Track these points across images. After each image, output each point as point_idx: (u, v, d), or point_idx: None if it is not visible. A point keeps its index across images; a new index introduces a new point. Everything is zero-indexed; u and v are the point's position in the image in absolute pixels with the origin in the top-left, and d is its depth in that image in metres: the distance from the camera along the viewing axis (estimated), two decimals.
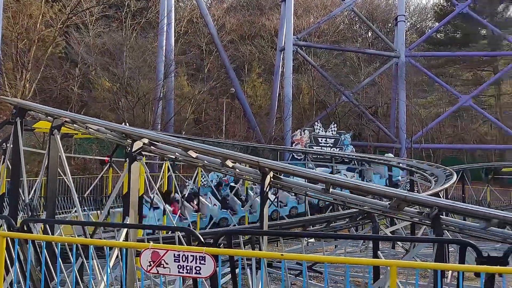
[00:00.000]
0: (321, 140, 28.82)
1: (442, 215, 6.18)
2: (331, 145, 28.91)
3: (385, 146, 38.69)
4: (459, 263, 3.35)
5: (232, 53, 41.07)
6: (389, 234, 9.62)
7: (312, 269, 8.95)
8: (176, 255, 3.39)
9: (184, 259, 3.39)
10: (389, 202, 5.29)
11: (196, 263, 3.36)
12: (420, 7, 54.38)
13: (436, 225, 4.93)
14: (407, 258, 6.83)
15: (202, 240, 3.78)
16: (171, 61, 31.59)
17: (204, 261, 3.33)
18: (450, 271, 6.46)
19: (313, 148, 27.77)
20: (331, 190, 5.49)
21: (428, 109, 44.21)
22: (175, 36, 34.75)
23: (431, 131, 39.67)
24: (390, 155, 23.90)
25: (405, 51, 37.84)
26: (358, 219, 9.42)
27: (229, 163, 6.18)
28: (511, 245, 3.42)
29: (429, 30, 45.19)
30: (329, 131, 29.27)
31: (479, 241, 12.35)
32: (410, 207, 5.44)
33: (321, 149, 28.00)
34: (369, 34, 51.17)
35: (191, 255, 3.36)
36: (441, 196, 9.74)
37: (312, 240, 11.83)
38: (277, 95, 37.14)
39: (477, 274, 3.29)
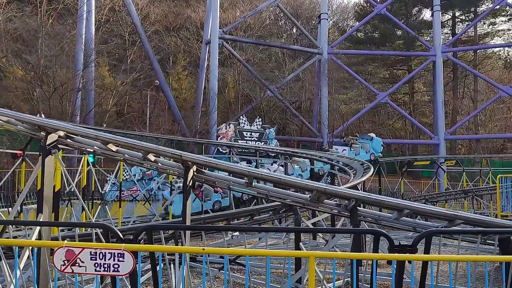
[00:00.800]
0: (246, 134, 29.00)
1: (360, 207, 6.47)
2: (256, 139, 29.19)
3: (308, 140, 39.84)
4: (373, 252, 3.52)
5: (156, 44, 40.10)
6: (311, 226, 9.91)
7: (236, 262, 8.99)
8: (92, 253, 3.23)
9: (101, 257, 3.24)
10: (310, 195, 5.45)
11: (114, 260, 3.22)
12: (342, 6, 56.40)
13: (353, 216, 5.14)
14: (326, 248, 7.07)
15: (121, 236, 3.64)
16: (91, 50, 30.20)
17: (123, 258, 3.21)
18: (366, 260, 6.77)
19: (238, 142, 27.88)
20: (254, 183, 5.54)
21: (349, 104, 46.06)
22: (95, 24, 33.25)
23: (351, 126, 41.43)
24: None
25: (328, 49, 39.09)
26: (281, 211, 9.60)
27: (151, 157, 6.02)
28: (420, 234, 3.66)
29: (350, 29, 47.01)
30: (254, 125, 29.52)
31: (394, 230, 13.13)
32: (330, 200, 5.62)
33: (246, 143, 28.19)
34: (294, 31, 52.25)
35: (108, 253, 3.22)
36: (359, 189, 10.18)
37: (237, 233, 11.91)
38: (203, 88, 36.86)
39: (389, 262, 3.46)
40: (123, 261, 3.23)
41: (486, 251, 9.69)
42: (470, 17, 45.94)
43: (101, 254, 3.24)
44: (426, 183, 35.64)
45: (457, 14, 47.31)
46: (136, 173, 22.28)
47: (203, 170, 5.72)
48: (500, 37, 47.63)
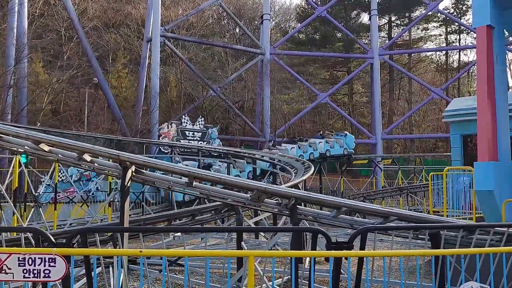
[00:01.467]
0: (189, 133, 28.70)
1: (301, 205, 6.56)
2: (199, 138, 28.96)
3: (250, 140, 40.06)
4: (311, 250, 3.57)
5: (95, 41, 38.73)
6: (252, 225, 9.94)
7: (177, 264, 8.85)
8: (21, 259, 3.04)
9: (30, 263, 3.05)
10: (250, 194, 5.46)
11: (45, 266, 3.05)
12: (284, 7, 57.12)
13: (293, 215, 5.21)
14: (266, 247, 7.12)
15: (53, 240, 3.46)
16: (24, 45, 28.67)
17: (55, 263, 3.04)
18: (307, 257, 6.89)
19: (180, 141, 27.53)
20: (194, 183, 5.47)
21: (291, 105, 46.75)
22: (28, 18, 31.61)
23: (293, 125, 42.11)
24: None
25: (270, 49, 39.47)
26: (222, 211, 9.55)
27: (86, 157, 5.78)
28: (356, 230, 3.76)
29: (292, 30, 47.73)
30: (196, 125, 29.28)
31: (335, 228, 13.45)
32: (271, 199, 5.66)
33: (189, 142, 27.91)
34: (237, 30, 52.37)
35: (38, 258, 3.04)
36: (300, 187, 10.35)
37: (179, 234, 11.74)
38: (144, 87, 36.07)
39: (327, 259, 3.51)
40: (55, 266, 3.06)
41: (420, 246, 10.16)
42: (405, 22, 48.04)
43: (30, 260, 3.06)
44: (365, 181, 36.88)
45: (393, 18, 49.34)
46: (73, 174, 21.45)
47: (142, 170, 5.58)
48: (432, 42, 50.23)
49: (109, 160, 5.93)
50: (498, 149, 9.83)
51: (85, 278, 7.76)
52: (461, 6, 46.70)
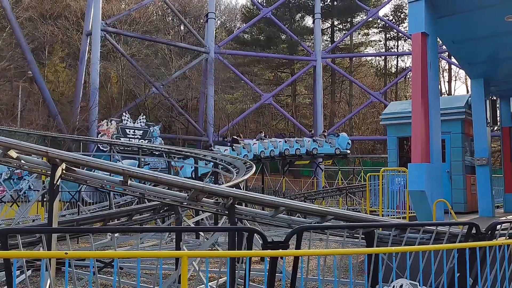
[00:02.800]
0: (129, 131, 27.98)
1: (241, 205, 6.50)
2: (140, 136, 28.31)
3: (193, 139, 39.63)
4: (246, 249, 3.53)
5: (30, 32, 36.84)
6: (192, 225, 9.79)
7: (112, 265, 8.56)
8: None
9: None
10: (187, 193, 5.33)
11: None
12: (230, 7, 57.11)
13: (231, 214, 5.15)
14: (205, 247, 7.02)
15: None
16: None
17: None
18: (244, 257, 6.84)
19: (120, 139, 26.76)
20: (129, 182, 5.26)
21: (234, 104, 46.75)
22: None
23: (236, 125, 42.12)
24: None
25: (215, 48, 39.25)
26: (161, 211, 9.34)
27: (12, 153, 5.41)
28: (292, 230, 3.75)
29: (237, 30, 47.73)
30: (137, 123, 28.59)
31: (276, 228, 13.51)
32: (210, 198, 5.57)
33: (129, 140, 27.19)
34: (182, 28, 51.70)
35: None
36: (241, 187, 10.30)
37: (117, 234, 11.36)
38: (82, 82, 34.75)
39: (262, 259, 3.47)
40: None
41: (355, 244, 10.42)
42: (347, 27, 49.40)
43: None
44: (306, 181, 37.53)
45: (335, 23, 50.57)
46: (3, 172, 20.28)
47: (74, 168, 5.29)
48: (372, 47, 52.02)
49: (37, 158, 5.57)
50: (430, 151, 10.26)
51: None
52: (400, 14, 48.67)
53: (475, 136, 14.09)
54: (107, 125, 27.18)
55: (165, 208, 9.35)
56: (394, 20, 47.99)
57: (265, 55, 43.80)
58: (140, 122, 28.63)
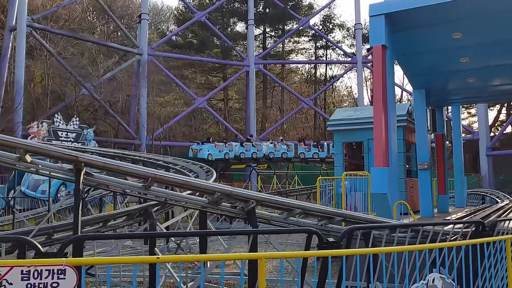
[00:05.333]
0: (62, 134, 26.65)
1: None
2: (73, 139, 27.06)
3: (125, 142, 38.46)
4: (304, 249, 3.65)
5: None
6: (164, 230, 9.69)
7: (88, 273, 8.26)
8: (24, 272, 2.61)
9: (36, 276, 2.64)
10: (208, 197, 5.35)
11: (53, 278, 2.66)
12: (163, 9, 56.24)
13: (252, 218, 5.25)
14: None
15: (42, 249, 3.02)
16: None
17: (64, 275, 2.68)
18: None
19: (52, 142, 25.39)
20: (152, 187, 5.18)
21: (166, 108, 46.07)
22: None
23: (168, 129, 41.45)
24: None
25: (148, 50, 38.46)
26: (135, 216, 9.18)
27: (27, 157, 5.08)
28: (344, 231, 3.94)
29: (169, 32, 47.12)
30: (70, 125, 27.30)
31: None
32: (227, 202, 5.62)
33: (61, 143, 25.87)
34: (109, 28, 50.10)
35: (46, 270, 2.65)
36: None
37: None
38: (5, 80, 32.49)
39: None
40: (64, 278, 2.69)
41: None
42: (278, 34, 50.62)
43: (36, 272, 2.63)
44: (240, 185, 37.84)
45: (267, 30, 51.62)
46: None
47: (92, 173, 5.09)
48: (302, 55, 53.72)
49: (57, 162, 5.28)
50: (389, 156, 10.95)
51: None
52: (329, 24, 50.83)
53: (417, 142, 15.21)
54: (38, 127, 25.68)
55: (139, 213, 9.21)
56: (323, 30, 49.95)
57: (199, 59, 43.63)
58: (73, 124, 27.36)
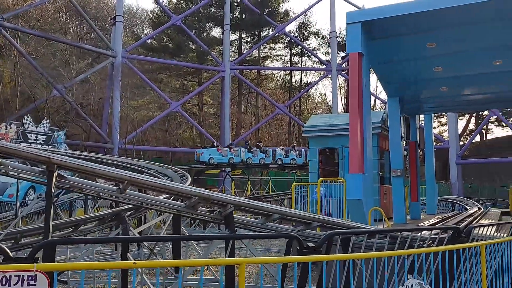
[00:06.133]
0: (31, 136, 25.96)
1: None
2: (43, 142, 26.40)
3: (97, 146, 37.77)
4: (284, 255, 3.60)
5: None
6: (137, 235, 9.49)
7: (60, 281, 7.99)
8: None
9: (4, 282, 2.47)
10: (185, 202, 5.23)
11: (22, 285, 2.50)
12: (138, 12, 55.69)
13: (230, 222, 5.16)
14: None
15: (10, 254, 2.85)
16: None
17: (35, 282, 2.52)
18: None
19: (21, 145, 24.70)
20: (128, 191, 5.01)
21: (140, 111, 45.51)
22: None
23: (142, 133, 40.92)
24: None
25: (122, 52, 37.95)
26: (108, 221, 8.98)
27: None
28: (324, 236, 3.90)
29: (144, 36, 46.65)
30: (40, 127, 26.63)
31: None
32: (204, 206, 5.51)
33: (31, 146, 25.19)
34: (79, 29, 49.40)
35: (15, 276, 2.49)
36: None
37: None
38: None
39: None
40: (35, 285, 2.54)
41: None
42: (254, 40, 50.75)
43: (4, 279, 2.48)
44: (214, 191, 37.47)
45: (244, 35, 51.69)
46: None
47: (65, 175, 4.90)
48: (278, 61, 53.97)
49: (25, 163, 5.06)
50: (365, 162, 11.02)
51: None
52: (304, 31, 51.25)
53: (391, 149, 15.40)
54: (6, 129, 24.94)
55: (111, 218, 9.00)
56: (299, 37, 50.31)
57: (175, 63, 43.31)
58: (44, 126, 26.69)
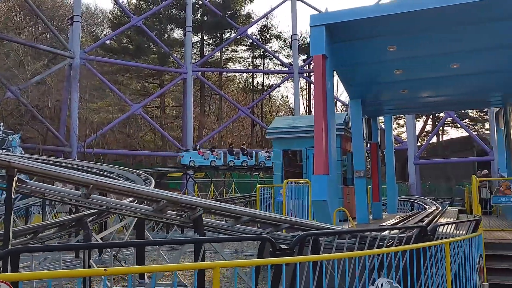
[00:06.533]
0: None
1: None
2: None
3: (54, 149, 36.60)
4: (257, 257, 3.54)
5: None
6: (100, 240, 9.24)
7: None
8: None
9: None
10: (153, 206, 5.09)
11: None
12: (96, 12, 54.42)
13: (199, 226, 5.07)
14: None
15: None
16: None
17: None
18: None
19: None
20: (92, 195, 4.82)
21: (99, 114, 44.47)
22: None
23: (101, 136, 39.95)
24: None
25: (80, 53, 36.96)
26: (68, 227, 8.70)
27: None
28: (296, 237, 3.86)
29: (103, 37, 45.63)
30: None
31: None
32: (173, 210, 5.39)
33: None
34: (35, 29, 47.87)
35: None
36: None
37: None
38: None
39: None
40: None
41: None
42: (216, 42, 50.57)
43: None
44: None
45: (205, 37, 51.42)
46: None
47: (25, 180, 4.66)
48: (240, 63, 53.94)
49: None
50: (329, 164, 11.15)
51: None
52: (266, 34, 51.48)
53: (354, 150, 15.66)
54: None
55: (72, 224, 8.73)
56: (261, 40, 50.50)
57: (136, 65, 42.53)
58: None
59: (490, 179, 16.95)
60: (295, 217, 14.13)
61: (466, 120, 48.77)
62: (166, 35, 47.33)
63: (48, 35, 46.97)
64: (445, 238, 5.46)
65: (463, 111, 44.23)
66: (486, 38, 11.37)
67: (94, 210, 8.26)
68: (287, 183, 13.01)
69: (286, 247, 3.75)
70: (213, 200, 29.44)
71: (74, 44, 36.96)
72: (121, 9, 44.32)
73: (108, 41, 45.29)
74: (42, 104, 39.90)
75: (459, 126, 45.93)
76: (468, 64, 12.91)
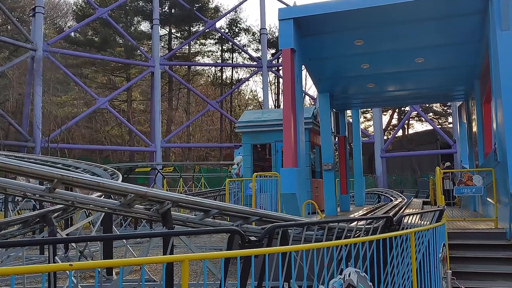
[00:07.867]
0: None
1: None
2: None
3: (16, 145, 35.55)
4: (226, 249, 3.52)
5: None
6: (65, 236, 9.05)
7: None
8: None
9: None
10: (120, 199, 5.00)
11: None
12: (60, 3, 52.90)
13: (168, 220, 5.01)
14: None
15: None
16: None
17: None
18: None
19: None
20: (57, 190, 4.68)
21: (64, 108, 43.43)
22: None
23: (66, 130, 39.04)
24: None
25: (43, 46, 35.91)
26: (32, 223, 8.48)
27: None
28: (266, 229, 3.88)
29: (67, 29, 44.47)
30: None
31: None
32: (141, 204, 5.30)
33: None
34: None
35: None
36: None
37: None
38: None
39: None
40: None
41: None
42: (184, 35, 50.03)
43: None
44: None
45: (173, 31, 50.80)
46: None
47: None
48: (209, 57, 53.55)
49: None
50: (298, 157, 11.24)
51: None
52: (235, 28, 51.23)
53: (322, 144, 15.82)
54: None
55: (36, 220, 8.51)
56: (229, 33, 50.26)
57: (102, 57, 41.59)
58: None
59: (453, 171, 17.45)
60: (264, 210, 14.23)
61: (431, 114, 50.00)
62: (133, 28, 46.50)
63: (9, 27, 45.40)
64: (410, 228, 5.60)
65: (427, 105, 45.32)
66: (448, 33, 11.67)
67: (59, 206, 8.09)
68: (256, 177, 13.02)
69: (256, 239, 3.77)
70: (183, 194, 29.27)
71: (36, 36, 35.85)
72: (86, 0, 43.26)
73: (72, 34, 44.14)
74: (4, 98, 38.75)
75: (423, 119, 47.09)
76: (432, 59, 13.21)
